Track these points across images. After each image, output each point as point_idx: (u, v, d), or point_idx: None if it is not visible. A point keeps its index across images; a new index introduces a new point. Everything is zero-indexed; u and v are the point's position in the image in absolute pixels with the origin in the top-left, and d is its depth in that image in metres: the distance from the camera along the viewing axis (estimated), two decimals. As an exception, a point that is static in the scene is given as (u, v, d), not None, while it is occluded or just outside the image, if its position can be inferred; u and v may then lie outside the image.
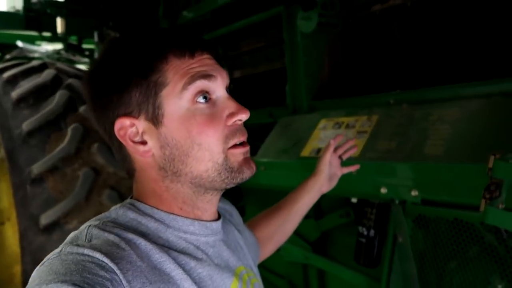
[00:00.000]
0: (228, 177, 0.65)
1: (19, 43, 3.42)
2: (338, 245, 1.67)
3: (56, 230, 1.46)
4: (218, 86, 0.66)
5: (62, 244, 0.61)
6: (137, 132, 0.65)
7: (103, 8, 2.83)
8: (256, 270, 0.80)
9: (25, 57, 2.73)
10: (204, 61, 0.65)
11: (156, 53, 0.64)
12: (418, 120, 1.23)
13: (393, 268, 1.26)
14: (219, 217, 0.74)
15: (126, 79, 0.63)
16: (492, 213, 0.67)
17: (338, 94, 1.65)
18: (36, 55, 3.13)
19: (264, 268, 1.97)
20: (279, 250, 1.10)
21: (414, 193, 1.13)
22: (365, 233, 1.32)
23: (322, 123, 1.52)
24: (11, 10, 3.45)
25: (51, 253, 0.58)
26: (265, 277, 1.97)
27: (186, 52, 0.64)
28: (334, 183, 1.12)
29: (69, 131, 1.64)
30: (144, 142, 0.65)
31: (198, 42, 0.66)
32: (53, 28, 3.17)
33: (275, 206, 1.09)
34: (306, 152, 1.46)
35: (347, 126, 1.41)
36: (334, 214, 1.57)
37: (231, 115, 0.65)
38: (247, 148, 0.68)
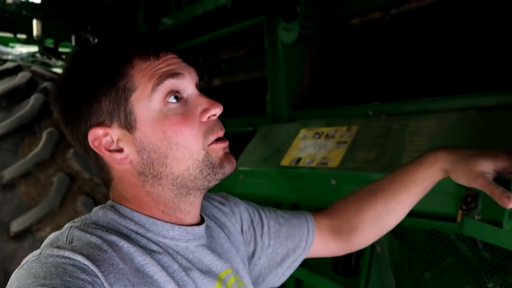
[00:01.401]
0: (210, 173, 0.65)
1: (-9, 44, 3.32)
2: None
3: (27, 238, 1.41)
4: (188, 84, 0.66)
5: (42, 245, 0.60)
6: (112, 141, 0.64)
7: (81, 11, 2.78)
8: (243, 273, 0.78)
9: (-2, 59, 2.67)
10: (170, 61, 0.65)
11: (120, 58, 0.63)
12: (396, 132, 1.25)
13: (371, 278, 1.27)
14: (202, 221, 0.73)
15: (93, 89, 0.63)
16: (469, 224, 0.69)
17: (318, 104, 1.68)
18: (9, 57, 3.05)
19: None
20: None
21: (391, 203, 1.14)
22: (343, 242, 1.33)
23: (302, 132, 1.53)
24: (-16, 10, 3.35)
25: (30, 255, 0.56)
26: (242, 287, 1.96)
27: (151, 53, 0.64)
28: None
29: (44, 135, 1.60)
30: (120, 150, 0.64)
31: (161, 42, 0.66)
32: (28, 30, 3.09)
33: (372, 187, 0.90)
34: (286, 161, 1.47)
35: (327, 136, 1.43)
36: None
37: (205, 111, 0.65)
38: (227, 143, 0.68)
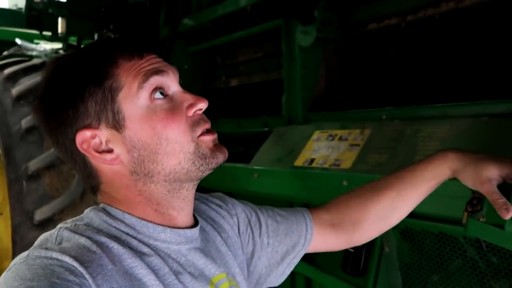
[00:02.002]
0: (202, 164, 0.66)
1: (18, 41, 3.43)
2: (325, 255, 1.70)
3: (50, 226, 1.48)
4: (172, 82, 0.67)
5: (31, 247, 0.59)
6: (101, 142, 0.64)
7: (104, 11, 2.87)
8: (240, 278, 0.77)
9: (23, 55, 2.75)
10: (152, 60, 0.66)
11: (105, 59, 0.64)
12: (408, 136, 1.28)
13: (379, 278, 1.30)
14: (196, 224, 0.72)
15: (79, 91, 0.62)
16: (473, 225, 0.72)
17: (333, 107, 1.71)
18: (34, 53, 3.15)
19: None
20: None
21: (401, 205, 1.17)
22: (353, 243, 1.36)
23: (316, 134, 1.56)
24: (13, 8, 3.47)
25: (18, 257, 0.56)
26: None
27: (135, 53, 0.65)
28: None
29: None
30: (110, 151, 0.64)
31: (143, 43, 0.68)
32: (54, 28, 3.20)
33: (378, 184, 0.91)
34: (299, 162, 1.50)
35: (340, 139, 1.46)
36: (324, 223, 1.61)
37: (190, 106, 0.66)
38: (216, 135, 0.69)
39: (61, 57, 0.68)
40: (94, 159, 0.65)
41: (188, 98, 0.67)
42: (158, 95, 0.64)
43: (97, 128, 0.63)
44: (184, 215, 0.69)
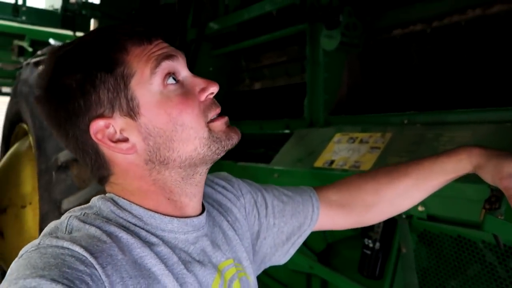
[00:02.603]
0: (218, 147, 0.66)
1: (51, 41, 3.58)
2: (342, 257, 1.71)
3: (76, 216, 1.53)
4: (182, 66, 0.66)
5: (41, 235, 0.59)
6: (115, 131, 0.62)
7: (135, 13, 2.96)
8: (247, 263, 0.77)
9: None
10: (161, 45, 0.65)
11: (114, 46, 0.62)
12: (430, 140, 1.28)
13: (395, 281, 1.30)
14: (203, 210, 0.72)
15: (90, 79, 0.60)
16: (490, 221, 0.72)
17: (355, 111, 1.72)
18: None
19: (267, 275, 2.01)
20: None
21: (420, 208, 1.17)
22: (371, 245, 1.36)
23: (337, 137, 1.58)
24: (50, 8, 3.64)
25: (30, 245, 0.56)
26: (267, 284, 2.01)
27: (144, 38, 0.64)
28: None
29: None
30: (125, 139, 0.63)
31: (151, 28, 0.66)
32: (87, 28, 3.33)
33: (395, 170, 0.89)
34: (319, 163, 1.52)
35: (361, 141, 1.47)
36: (342, 225, 1.61)
37: (202, 90, 0.66)
38: (226, 118, 0.68)
39: (63, 46, 0.65)
40: (110, 149, 0.63)
41: (200, 82, 0.66)
42: (170, 80, 0.63)
43: (110, 117, 0.62)
44: (195, 202, 0.69)
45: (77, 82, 0.60)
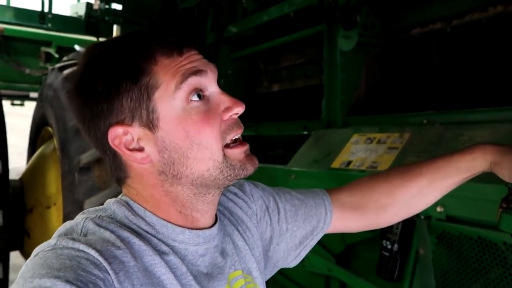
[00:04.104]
0: (231, 174, 0.64)
1: (77, 47, 3.69)
2: (360, 259, 1.69)
3: (97, 216, 1.58)
4: (210, 82, 0.64)
5: (56, 235, 0.59)
6: (132, 139, 0.62)
7: (156, 18, 3.02)
8: (257, 273, 0.76)
9: (81, 60, 2.98)
10: (192, 57, 0.63)
11: (143, 55, 0.61)
12: (449, 140, 1.26)
13: (414, 284, 1.27)
14: (215, 221, 0.71)
15: (115, 85, 0.60)
16: (507, 220, 0.70)
17: (373, 112, 1.70)
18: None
19: (285, 277, 2.01)
20: (302, 260, 1.05)
21: (439, 209, 1.15)
22: (389, 247, 1.35)
23: (355, 137, 1.57)
24: (74, 15, 3.76)
25: (45, 244, 0.56)
26: (285, 286, 2.01)
27: (174, 50, 0.62)
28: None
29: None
30: (141, 149, 0.62)
31: (183, 39, 0.64)
32: (109, 34, 3.42)
33: (409, 170, 0.87)
34: (336, 164, 1.51)
35: (379, 142, 1.45)
36: (360, 227, 1.60)
37: (227, 109, 0.64)
38: (246, 146, 0.66)
39: (98, 44, 0.66)
40: (124, 156, 0.63)
41: (226, 100, 0.64)
42: (195, 97, 0.62)
43: (130, 125, 0.61)
44: (207, 218, 0.69)
45: (103, 86, 0.61)
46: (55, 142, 1.97)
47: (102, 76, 0.61)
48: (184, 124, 0.61)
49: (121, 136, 0.62)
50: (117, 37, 0.66)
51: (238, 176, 0.65)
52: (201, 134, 0.61)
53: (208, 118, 0.62)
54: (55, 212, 1.98)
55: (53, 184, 2.01)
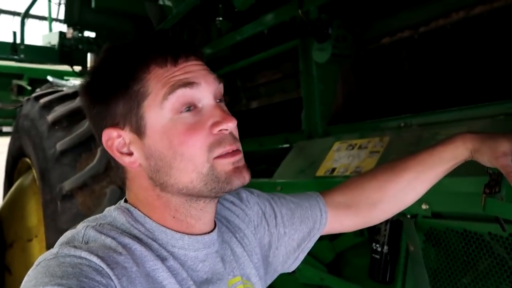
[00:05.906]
0: (215, 187, 0.63)
1: (49, 78, 3.66)
2: (351, 265, 1.70)
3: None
4: (204, 93, 0.63)
5: (58, 244, 0.60)
6: (124, 143, 0.64)
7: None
8: (255, 279, 0.76)
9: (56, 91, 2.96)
10: (188, 68, 0.63)
11: (137, 62, 0.63)
12: (427, 140, 1.30)
13: (407, 283, 1.29)
14: (214, 226, 0.72)
15: (111, 90, 0.63)
16: (491, 203, 0.73)
17: (351, 120, 1.75)
18: (64, 89, 3.35)
19: (279, 291, 1.99)
20: (294, 272, 1.03)
21: (424, 206, 1.18)
22: (379, 249, 1.36)
23: (336, 145, 1.60)
24: (47, 45, 3.74)
25: (48, 253, 0.57)
26: (279, 300, 1.99)
27: (168, 59, 0.62)
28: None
29: (99, 151, 1.76)
30: (130, 153, 0.64)
31: (181, 47, 0.64)
32: (84, 62, 3.41)
33: (395, 165, 0.90)
34: (321, 172, 1.53)
35: (360, 147, 1.49)
36: (349, 233, 1.61)
37: (216, 123, 0.63)
38: (238, 156, 0.65)
39: (112, 47, 0.67)
40: (115, 158, 0.65)
41: (216, 114, 0.63)
42: (183, 109, 0.62)
43: (122, 129, 0.64)
44: (202, 224, 0.68)
45: (104, 89, 0.64)
46: (34, 172, 1.93)
47: (103, 80, 0.64)
48: (169, 134, 0.62)
49: (114, 138, 0.64)
50: (127, 42, 0.67)
51: (222, 190, 0.64)
52: (183, 145, 0.61)
53: (193, 130, 0.62)
54: (37, 244, 1.92)
55: (34, 215, 1.96)
